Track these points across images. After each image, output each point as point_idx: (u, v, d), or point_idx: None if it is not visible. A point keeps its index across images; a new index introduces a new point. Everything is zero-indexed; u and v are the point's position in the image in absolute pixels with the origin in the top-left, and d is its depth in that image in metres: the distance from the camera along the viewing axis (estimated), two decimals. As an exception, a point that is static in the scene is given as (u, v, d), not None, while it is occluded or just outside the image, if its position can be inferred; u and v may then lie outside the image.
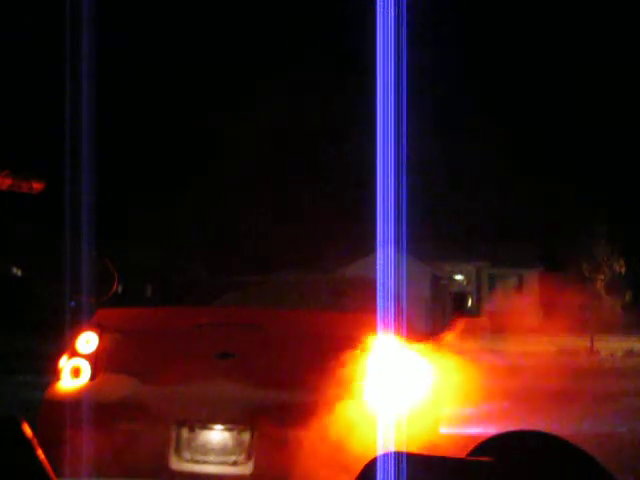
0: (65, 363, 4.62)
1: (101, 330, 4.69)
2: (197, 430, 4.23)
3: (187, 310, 5.20)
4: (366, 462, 1.92)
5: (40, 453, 1.94)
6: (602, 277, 24.66)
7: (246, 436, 4.18)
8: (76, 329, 4.78)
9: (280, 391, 4.23)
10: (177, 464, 4.20)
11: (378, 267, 4.73)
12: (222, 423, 4.23)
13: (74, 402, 4.33)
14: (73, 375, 4.57)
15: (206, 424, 4.24)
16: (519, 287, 39.42)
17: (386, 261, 4.76)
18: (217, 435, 4.23)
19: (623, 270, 24.69)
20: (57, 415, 4.31)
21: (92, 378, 4.56)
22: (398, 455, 1.89)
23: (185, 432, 4.23)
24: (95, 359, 4.60)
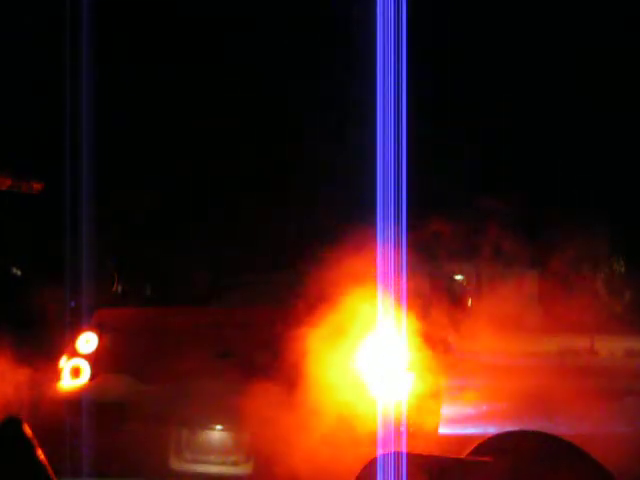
0: (65, 363, 4.62)
1: (101, 330, 4.69)
2: (197, 430, 4.23)
3: (187, 310, 5.20)
4: (366, 462, 1.93)
5: (40, 453, 1.94)
6: (602, 277, 24.64)
7: (246, 436, 4.18)
8: (76, 329, 4.78)
9: (280, 391, 4.23)
10: (177, 464, 4.20)
11: (377, 267, 4.73)
12: (222, 423, 4.23)
13: (74, 402, 4.33)
14: (73, 375, 4.57)
15: (206, 424, 4.23)
16: (519, 287, 39.41)
17: (385, 260, 4.76)
18: (217, 435, 4.23)
19: (623, 270, 24.67)
20: (57, 415, 4.30)
21: (92, 378, 4.55)
22: (398, 455, 1.89)
23: (185, 432, 4.22)
24: (95, 359, 4.60)
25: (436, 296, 5.53)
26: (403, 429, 4.04)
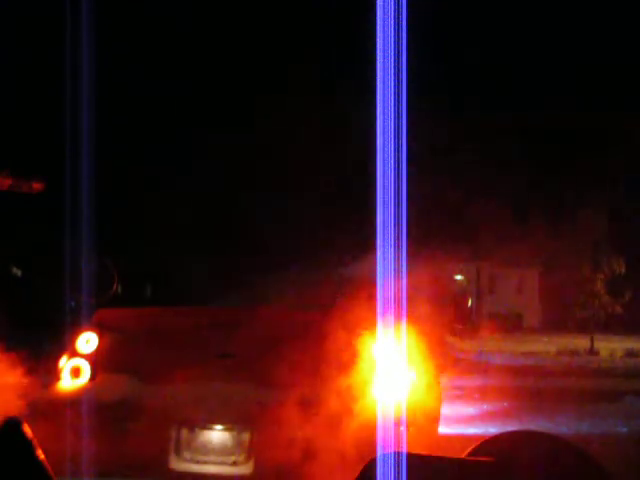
0: (65, 363, 4.63)
1: (101, 330, 4.69)
2: (197, 430, 4.23)
3: (187, 310, 5.20)
4: (366, 462, 1.93)
5: (40, 453, 1.94)
6: (602, 277, 24.64)
7: (246, 436, 4.18)
8: (76, 329, 4.78)
9: (279, 391, 4.23)
10: (177, 464, 4.20)
11: (378, 267, 4.73)
12: (222, 423, 4.23)
13: (74, 402, 4.33)
14: (73, 375, 4.57)
15: (206, 424, 4.23)
16: (519, 287, 39.40)
17: (385, 261, 4.76)
18: (217, 435, 4.23)
19: (623, 270, 24.65)
20: (57, 415, 4.30)
21: (92, 378, 4.56)
22: (398, 455, 1.89)
23: (185, 432, 4.22)
24: (95, 359, 4.60)
25: (436, 296, 5.53)
26: (403, 429, 4.04)
